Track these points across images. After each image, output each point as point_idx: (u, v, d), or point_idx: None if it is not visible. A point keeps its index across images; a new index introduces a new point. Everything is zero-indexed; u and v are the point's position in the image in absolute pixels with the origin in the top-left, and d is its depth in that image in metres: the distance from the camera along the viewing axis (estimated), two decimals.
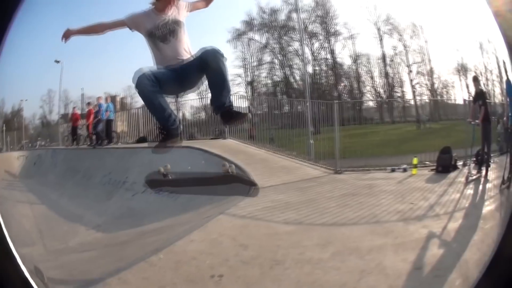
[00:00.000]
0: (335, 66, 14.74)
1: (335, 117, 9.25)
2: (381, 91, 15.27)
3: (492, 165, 9.07)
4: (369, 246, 4.64)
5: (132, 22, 4.44)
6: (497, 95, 15.21)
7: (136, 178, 6.69)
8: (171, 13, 4.53)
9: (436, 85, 15.61)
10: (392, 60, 15.13)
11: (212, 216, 5.14)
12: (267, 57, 14.01)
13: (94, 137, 9.68)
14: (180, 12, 4.61)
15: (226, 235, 4.63)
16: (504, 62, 7.74)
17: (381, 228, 5.37)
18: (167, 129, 4.36)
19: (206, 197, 5.82)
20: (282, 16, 14.17)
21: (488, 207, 6.35)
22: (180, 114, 9.91)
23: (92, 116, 9.87)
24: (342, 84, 15.08)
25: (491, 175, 8.46)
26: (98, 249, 5.08)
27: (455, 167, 9.35)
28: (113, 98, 10.20)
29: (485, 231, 4.97)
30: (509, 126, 7.73)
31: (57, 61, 10.23)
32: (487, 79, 15.64)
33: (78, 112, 10.98)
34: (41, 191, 7.78)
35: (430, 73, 15.05)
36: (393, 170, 9.40)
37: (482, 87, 9.46)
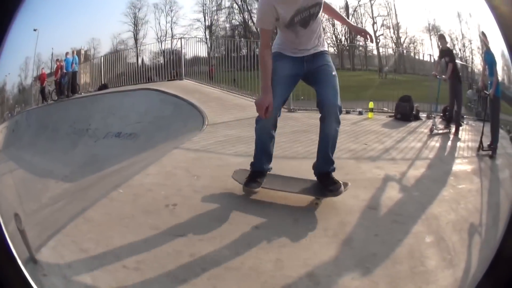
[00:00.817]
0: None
1: None
2: (343, 38, 14.70)
3: (465, 127, 9.03)
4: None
5: (267, 21, 3.87)
6: (475, 64, 15.39)
7: (98, 124, 6.89)
8: None
9: (402, 39, 15.63)
10: (355, 11, 14.89)
11: (167, 151, 5.31)
12: (226, 3, 13.46)
13: (60, 90, 9.79)
14: None
15: (180, 167, 4.78)
16: (484, 33, 7.62)
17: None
18: (260, 170, 4.23)
19: (163, 136, 6.10)
20: None
21: (460, 165, 6.26)
22: (140, 60, 10.59)
23: (59, 71, 9.99)
24: None
25: (464, 135, 8.41)
26: (66, 198, 5.15)
27: (416, 117, 9.11)
28: (78, 52, 10.29)
29: (457, 190, 4.89)
30: (489, 93, 7.35)
31: (35, 29, 10.30)
32: (464, 46, 15.64)
33: (46, 71, 11.12)
34: (19, 155, 7.72)
35: (396, 27, 15.07)
36: (347, 112, 8.99)
37: (451, 46, 9.66)
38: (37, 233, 3.78)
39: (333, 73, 4.05)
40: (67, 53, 10.23)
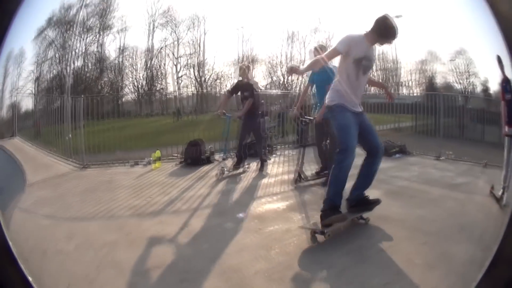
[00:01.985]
0: (101, 59, 14.33)
1: (81, 112, 9.78)
2: (143, 83, 14.80)
3: (276, 159, 9.73)
4: (103, 241, 4.82)
5: (347, 50, 4.78)
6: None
7: None
8: (373, 49, 4.97)
9: (207, 77, 16.07)
10: (159, 52, 14.87)
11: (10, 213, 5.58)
12: (52, 53, 13.38)
13: None
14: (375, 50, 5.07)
15: (19, 231, 4.86)
16: (317, 48, 6.77)
17: (114, 223, 5.52)
18: (336, 206, 4.80)
19: (10, 195, 6.49)
20: (73, 11, 13.58)
21: (269, 204, 6.19)
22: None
23: None
24: (104, 78, 14.62)
25: (273, 169, 8.63)
26: None
27: (208, 160, 9.38)
28: None
29: (266, 234, 4.91)
30: (313, 118, 7.17)
31: None
32: (272, 72, 16.40)
33: None
34: None
35: (202, 65, 15.52)
36: (135, 164, 9.60)
37: (252, 77, 8.80)
38: None
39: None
40: None
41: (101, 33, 14.60)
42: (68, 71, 13.50)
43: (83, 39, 14.18)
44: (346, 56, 4.79)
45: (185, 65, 15.83)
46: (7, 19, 2.55)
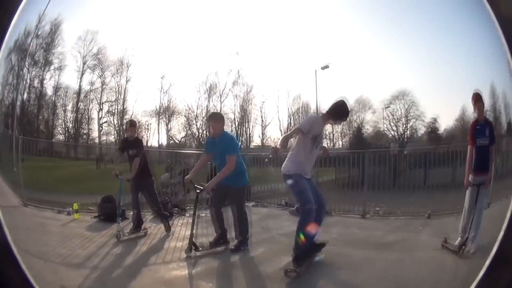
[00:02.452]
0: (41, 96, 14.50)
1: (19, 151, 10.02)
2: (70, 126, 15.00)
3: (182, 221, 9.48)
4: (48, 280, 4.95)
5: (309, 130, 5.71)
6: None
7: None
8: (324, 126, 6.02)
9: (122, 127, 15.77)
10: (86, 96, 15.16)
11: None
12: (11, 79, 13.16)
13: None
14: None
15: None
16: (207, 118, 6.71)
17: (51, 266, 5.70)
18: (307, 250, 5.80)
19: None
20: (29, 40, 13.42)
21: (174, 270, 6.03)
22: None
23: None
24: (40, 116, 14.58)
25: (182, 232, 8.41)
26: None
27: (123, 217, 8.62)
28: None
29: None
30: (203, 188, 6.92)
31: None
32: (187, 126, 17.33)
33: None
34: None
35: (122, 113, 15.56)
36: (59, 212, 9.67)
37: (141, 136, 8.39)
38: None
39: None
40: None
41: (43, 68, 14.60)
42: (17, 101, 13.44)
43: (29, 72, 14.15)
44: (306, 134, 5.75)
45: (107, 112, 16.03)
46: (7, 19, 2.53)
